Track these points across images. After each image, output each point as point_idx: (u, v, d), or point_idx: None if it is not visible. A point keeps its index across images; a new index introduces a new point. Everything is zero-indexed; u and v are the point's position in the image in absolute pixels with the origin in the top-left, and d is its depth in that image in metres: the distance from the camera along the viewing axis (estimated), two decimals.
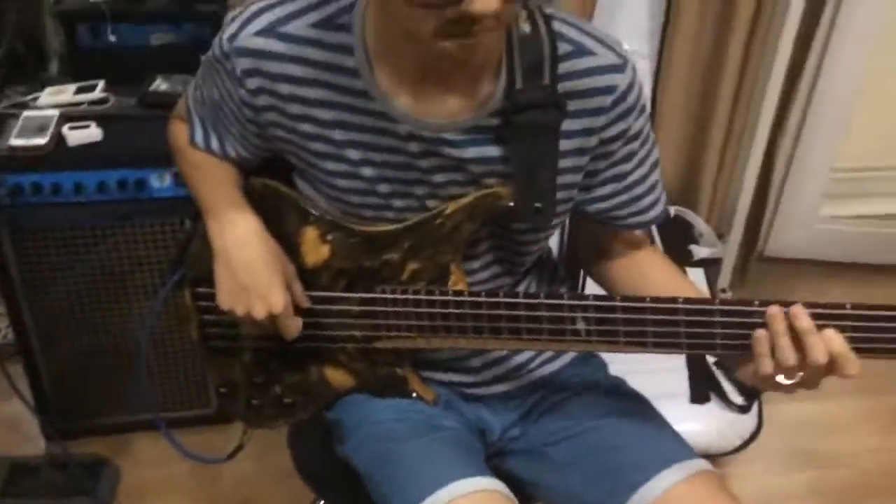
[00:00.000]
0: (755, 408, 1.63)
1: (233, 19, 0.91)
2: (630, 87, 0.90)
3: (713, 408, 1.58)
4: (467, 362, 1.05)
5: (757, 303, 0.84)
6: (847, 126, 2.14)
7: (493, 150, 0.90)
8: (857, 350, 0.81)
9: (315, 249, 1.01)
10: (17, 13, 1.78)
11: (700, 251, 1.84)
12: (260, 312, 0.97)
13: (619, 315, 0.87)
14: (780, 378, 0.84)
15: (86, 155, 1.47)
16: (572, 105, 0.88)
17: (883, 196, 2.47)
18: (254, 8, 0.90)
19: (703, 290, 1.77)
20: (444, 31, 0.76)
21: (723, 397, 1.60)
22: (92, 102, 1.57)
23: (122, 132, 1.50)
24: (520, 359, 1.06)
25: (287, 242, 1.02)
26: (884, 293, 2.07)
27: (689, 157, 1.97)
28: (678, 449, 0.99)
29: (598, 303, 0.88)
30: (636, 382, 1.12)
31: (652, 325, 0.87)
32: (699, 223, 1.92)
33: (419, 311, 0.96)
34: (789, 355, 0.81)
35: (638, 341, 0.88)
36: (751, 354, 0.84)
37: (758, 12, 1.77)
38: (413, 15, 0.75)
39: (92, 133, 1.48)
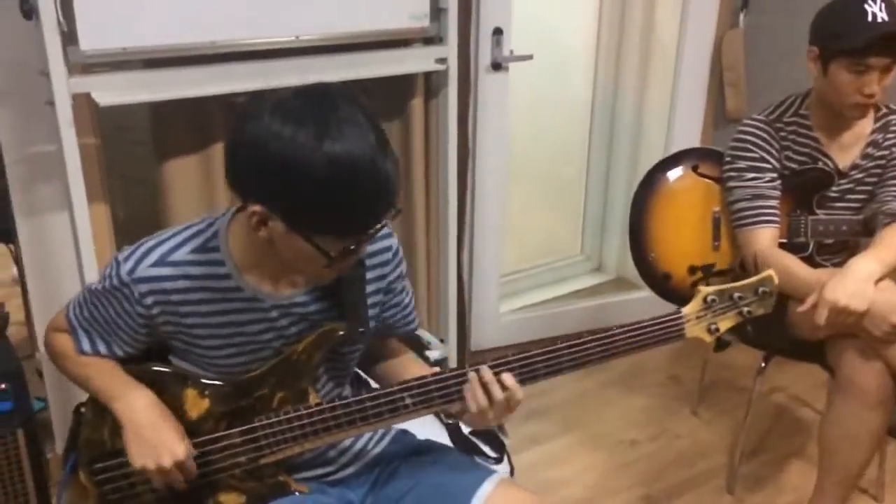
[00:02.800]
0: (505, 458, 2.16)
1: (126, 258, 1.25)
2: (399, 245, 1.40)
3: None
4: (325, 456, 1.41)
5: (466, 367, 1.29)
6: (503, 245, 2.86)
7: (325, 303, 1.33)
8: (524, 380, 1.27)
9: (197, 404, 1.34)
10: None
11: (433, 354, 2.37)
12: (167, 462, 1.26)
13: (433, 387, 1.33)
14: (483, 416, 1.26)
15: None
16: (369, 262, 1.35)
17: (531, 290, 3.31)
18: (144, 247, 1.26)
19: None
20: (333, 270, 1.20)
21: (482, 455, 2.10)
22: None
23: None
24: (359, 445, 1.45)
25: (171, 406, 1.32)
26: None
27: None
28: (482, 471, 1.43)
29: (417, 382, 1.33)
30: None
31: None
32: (425, 334, 2.47)
33: (293, 425, 1.32)
34: (482, 399, 1.25)
35: (449, 401, 1.33)
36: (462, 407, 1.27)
37: (427, 175, 2.42)
38: (319, 269, 1.18)
39: None
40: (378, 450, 1.48)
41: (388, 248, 1.38)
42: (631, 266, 2.26)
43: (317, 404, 1.33)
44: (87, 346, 1.33)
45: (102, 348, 1.32)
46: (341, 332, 1.33)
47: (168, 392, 1.33)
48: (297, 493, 1.37)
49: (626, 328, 1.32)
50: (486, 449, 2.13)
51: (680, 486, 2.33)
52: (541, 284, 3.40)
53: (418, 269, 2.48)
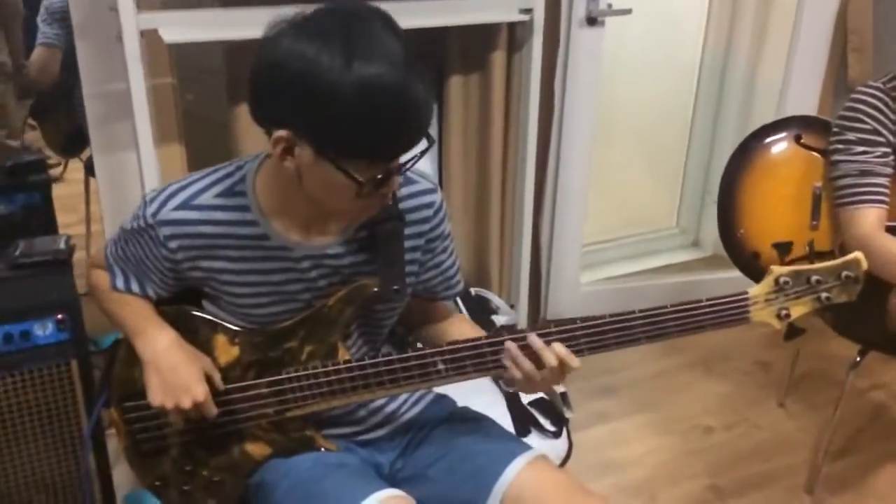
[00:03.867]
0: (564, 433, 2.06)
1: (152, 199, 1.22)
2: (442, 202, 1.32)
3: (534, 438, 1.97)
4: (355, 415, 1.36)
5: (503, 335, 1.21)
6: (585, 211, 2.72)
7: (360, 256, 1.26)
8: (590, 349, 1.20)
9: (226, 351, 1.31)
10: None
11: (499, 319, 2.28)
12: (186, 403, 1.23)
13: (465, 353, 1.25)
14: (530, 382, 1.20)
15: None
16: (408, 217, 1.28)
17: (619, 261, 3.15)
18: (169, 190, 1.23)
19: None
20: (364, 203, 1.13)
21: (540, 428, 2.01)
22: None
23: (2, 293, 1.68)
24: (392, 407, 1.39)
25: (201, 349, 1.30)
26: None
27: (477, 248, 2.44)
28: (517, 445, 1.34)
29: (450, 347, 1.25)
30: None
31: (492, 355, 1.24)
32: (494, 298, 2.38)
33: (319, 381, 1.28)
34: (526, 364, 1.19)
35: (484, 370, 1.25)
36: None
37: (506, 133, 2.31)
38: (349, 202, 1.10)
39: None
40: (411, 414, 1.42)
41: (430, 205, 1.30)
42: None
43: (345, 361, 1.27)
44: (121, 283, 1.32)
45: (135, 287, 1.31)
46: (375, 289, 1.27)
47: (199, 335, 1.31)
48: (323, 450, 1.33)
49: (679, 308, 1.20)
50: (545, 422, 2.04)
51: (752, 480, 2.17)
52: (629, 256, 3.24)
53: (491, 231, 2.38)
